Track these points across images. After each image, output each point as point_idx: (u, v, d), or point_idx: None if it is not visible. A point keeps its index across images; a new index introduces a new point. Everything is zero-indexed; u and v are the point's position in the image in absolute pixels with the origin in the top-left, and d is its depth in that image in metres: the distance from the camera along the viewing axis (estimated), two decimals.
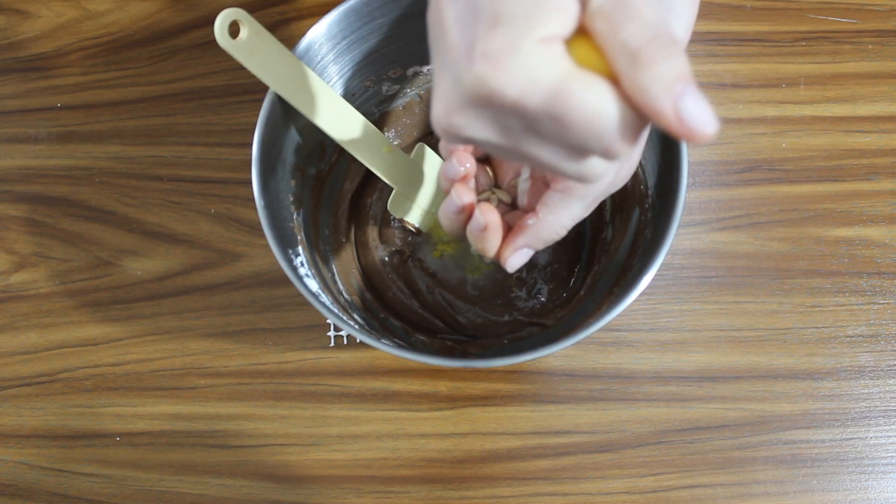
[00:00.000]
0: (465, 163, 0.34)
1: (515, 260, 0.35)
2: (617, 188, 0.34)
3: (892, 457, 0.49)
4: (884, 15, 0.55)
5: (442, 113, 0.25)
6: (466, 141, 0.26)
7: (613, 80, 0.22)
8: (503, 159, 0.35)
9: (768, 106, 0.54)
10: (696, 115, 0.21)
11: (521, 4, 0.22)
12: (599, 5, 0.22)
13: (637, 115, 0.22)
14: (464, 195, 0.34)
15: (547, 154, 0.25)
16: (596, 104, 0.22)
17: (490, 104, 0.23)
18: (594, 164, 0.26)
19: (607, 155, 0.23)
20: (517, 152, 0.26)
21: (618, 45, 0.22)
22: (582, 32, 0.23)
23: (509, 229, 0.35)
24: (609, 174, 0.32)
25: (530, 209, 0.35)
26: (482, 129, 0.25)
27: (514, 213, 0.37)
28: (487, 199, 0.37)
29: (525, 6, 0.22)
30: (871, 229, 0.52)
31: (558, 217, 0.33)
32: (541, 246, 0.35)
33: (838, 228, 0.52)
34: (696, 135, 0.21)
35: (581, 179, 0.26)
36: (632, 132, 0.22)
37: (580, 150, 0.24)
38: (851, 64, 0.54)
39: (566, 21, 0.22)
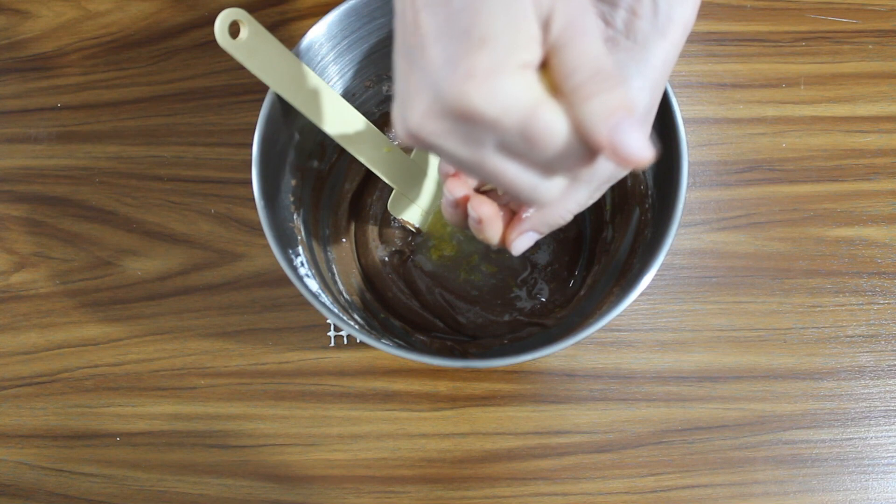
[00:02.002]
0: None
1: (520, 244, 0.35)
2: (623, 175, 0.35)
3: (892, 457, 0.49)
4: (884, 15, 0.55)
5: (417, 119, 0.26)
6: (432, 149, 0.27)
7: None
8: (464, 173, 0.36)
9: (768, 106, 0.53)
10: (628, 144, 0.23)
11: (504, 31, 0.24)
12: (553, 42, 0.24)
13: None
14: (455, 190, 0.34)
15: (511, 171, 0.27)
16: (561, 130, 0.24)
17: (469, 119, 0.25)
18: (550, 187, 0.28)
19: (571, 174, 0.26)
20: (481, 167, 0.27)
21: (565, 79, 0.24)
22: (546, 67, 0.25)
23: (513, 214, 0.35)
24: (581, 191, 0.34)
25: None
26: (453, 141, 0.26)
27: None
28: (493, 188, 0.37)
29: (508, 32, 0.24)
30: (871, 229, 0.52)
31: (564, 202, 0.34)
32: (546, 230, 0.35)
33: (838, 228, 0.52)
34: (630, 161, 0.23)
35: (534, 201, 0.28)
36: (589, 156, 0.25)
37: (547, 168, 0.26)
38: (851, 64, 0.54)
39: (537, 51, 0.25)
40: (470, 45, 0.24)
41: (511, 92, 0.24)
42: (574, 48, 0.24)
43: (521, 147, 0.25)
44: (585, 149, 0.24)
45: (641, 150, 0.23)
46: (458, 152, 0.27)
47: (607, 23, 0.33)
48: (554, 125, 0.24)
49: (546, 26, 0.25)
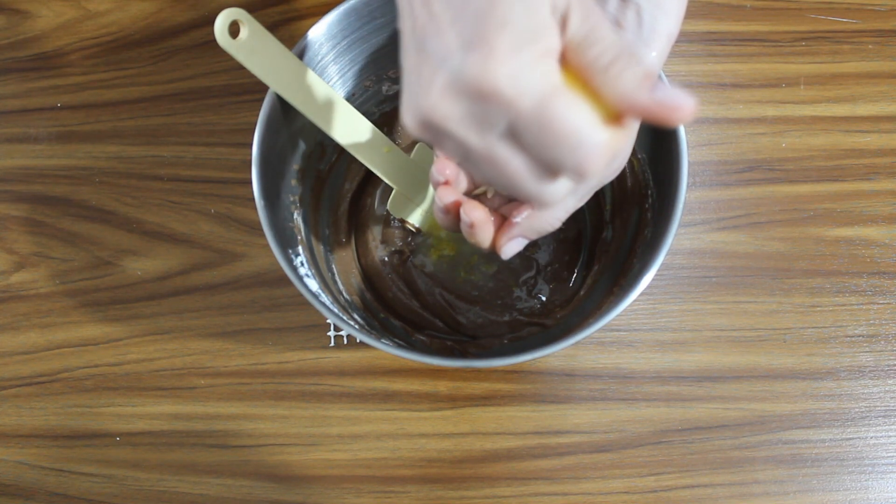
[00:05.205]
0: (445, 170, 0.34)
1: (509, 249, 0.36)
2: (609, 180, 0.36)
3: (892, 457, 0.49)
4: (884, 15, 0.55)
5: (432, 101, 0.26)
6: (440, 134, 0.27)
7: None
8: (468, 169, 0.36)
9: (768, 106, 0.53)
10: (670, 97, 0.24)
11: (523, 17, 0.24)
12: (572, 35, 0.26)
13: (610, 135, 0.26)
14: (445, 197, 0.35)
15: (516, 164, 0.27)
16: (577, 120, 0.25)
17: (487, 96, 0.25)
18: (555, 188, 0.28)
19: (577, 171, 0.26)
20: (487, 155, 0.27)
21: (592, 66, 0.26)
22: (564, 64, 0.26)
23: (503, 220, 0.36)
24: (568, 198, 0.34)
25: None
26: (464, 124, 0.26)
27: (511, 203, 0.37)
28: (484, 192, 0.37)
29: (527, 19, 0.25)
30: (871, 229, 0.52)
31: (553, 210, 0.34)
32: (535, 236, 0.36)
33: (838, 228, 0.52)
34: (679, 112, 0.24)
35: (537, 200, 0.28)
36: (601, 154, 0.25)
37: (553, 165, 0.26)
38: (851, 64, 0.54)
39: (556, 41, 0.25)
40: (489, 27, 0.24)
41: (532, 74, 0.24)
42: (597, 35, 0.25)
43: (532, 134, 0.25)
44: (599, 147, 0.25)
45: (685, 99, 0.24)
46: (467, 138, 0.27)
47: None
48: (569, 114, 0.25)
49: (563, 22, 0.26)
